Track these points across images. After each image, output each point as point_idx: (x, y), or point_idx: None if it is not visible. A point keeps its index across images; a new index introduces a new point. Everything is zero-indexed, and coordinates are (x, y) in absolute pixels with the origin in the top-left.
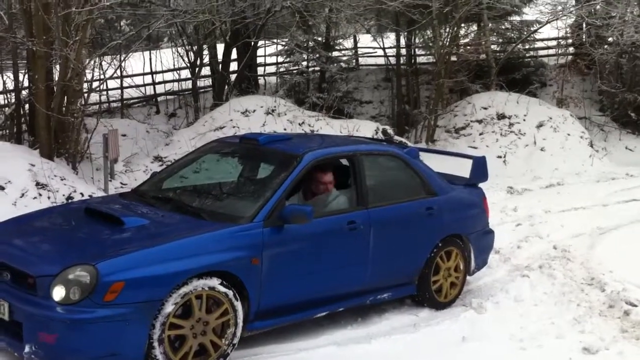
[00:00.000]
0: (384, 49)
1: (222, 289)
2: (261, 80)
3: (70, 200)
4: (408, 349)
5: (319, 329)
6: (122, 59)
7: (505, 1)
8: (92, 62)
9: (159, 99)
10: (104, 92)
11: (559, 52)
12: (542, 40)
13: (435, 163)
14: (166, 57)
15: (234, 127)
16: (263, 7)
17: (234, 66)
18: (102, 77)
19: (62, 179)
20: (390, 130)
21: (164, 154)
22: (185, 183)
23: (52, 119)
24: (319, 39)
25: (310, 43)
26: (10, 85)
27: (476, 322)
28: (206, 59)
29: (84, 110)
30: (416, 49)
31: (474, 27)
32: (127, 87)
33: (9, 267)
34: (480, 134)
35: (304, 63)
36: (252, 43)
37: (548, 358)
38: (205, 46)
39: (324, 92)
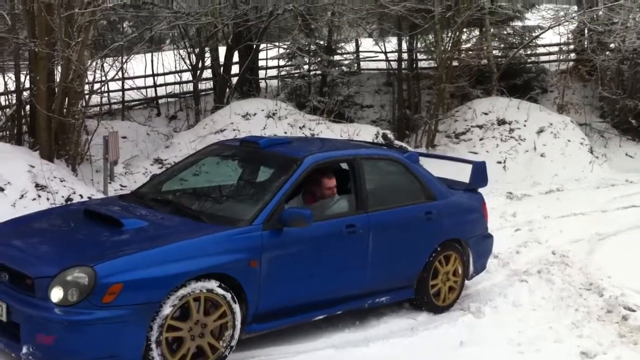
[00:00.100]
0: (385, 53)
1: (221, 291)
2: (262, 84)
3: (69, 202)
4: (406, 352)
5: (317, 332)
6: (124, 60)
7: (507, 6)
8: (94, 64)
9: (160, 101)
10: (105, 94)
11: (561, 58)
12: (544, 46)
13: (435, 168)
14: (168, 59)
15: (234, 130)
16: (265, 10)
17: (235, 69)
18: (103, 78)
19: (61, 181)
20: (390, 135)
21: (164, 157)
22: (185, 186)
23: (52, 121)
24: (321, 42)
25: (312, 46)
26: (11, 86)
27: (474, 326)
28: (208, 62)
29: (85, 112)
30: (418, 54)
31: (476, 32)
32: (128, 89)
33: (7, 268)
34: (481, 140)
35: (306, 67)
36: (254, 46)
37: None
38: (207, 49)
39: (325, 95)
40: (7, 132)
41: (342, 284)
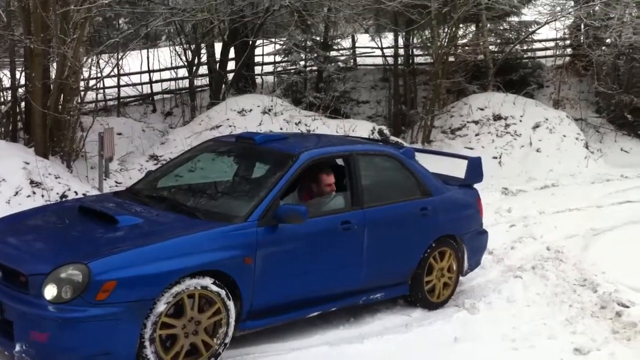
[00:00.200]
0: (382, 49)
1: (215, 288)
2: (258, 80)
3: (64, 199)
4: (400, 349)
5: (312, 329)
6: (120, 57)
7: (504, 2)
8: (90, 60)
9: (156, 97)
10: (101, 91)
11: (557, 53)
12: (540, 41)
13: (431, 163)
14: (164, 55)
15: (230, 126)
16: (262, 6)
17: (231, 65)
18: (99, 75)
19: (56, 177)
20: (386, 131)
21: (160, 153)
22: (180, 182)
23: (47, 117)
24: (317, 38)
25: (308, 42)
26: (6, 82)
27: (469, 322)
28: (204, 58)
29: (80, 108)
30: (414, 49)
31: (473, 28)
32: (124, 86)
33: (1, 265)
34: (476, 135)
35: (302, 62)
36: (250, 42)
37: (540, 358)
38: (203, 45)
39: (321, 91)
40: (2, 129)
41: (337, 280)
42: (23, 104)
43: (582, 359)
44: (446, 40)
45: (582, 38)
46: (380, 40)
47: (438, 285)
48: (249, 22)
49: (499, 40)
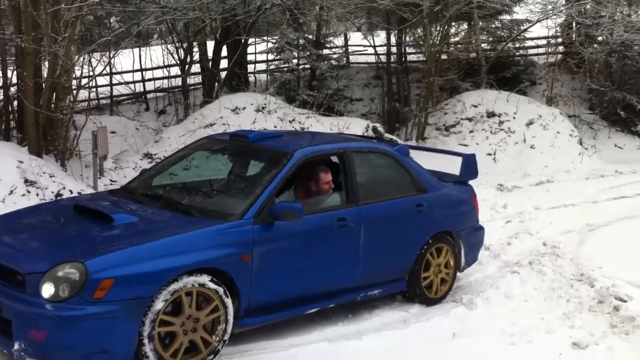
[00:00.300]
0: (374, 47)
1: (213, 285)
2: (251, 78)
3: (59, 198)
4: (398, 345)
5: (310, 325)
6: (112, 55)
7: (495, 0)
8: (81, 59)
9: (149, 96)
10: (93, 89)
11: (549, 50)
12: (532, 39)
13: (426, 160)
14: (156, 54)
15: (224, 124)
16: (253, 4)
17: (224, 63)
18: (91, 74)
19: (51, 176)
20: (380, 128)
21: (154, 151)
22: (175, 180)
23: (40, 116)
24: (310, 36)
25: (300, 41)
26: None
27: (466, 318)
28: (196, 56)
29: (73, 107)
30: (407, 47)
31: (465, 26)
32: (116, 84)
33: None
34: (471, 132)
35: (295, 61)
36: (243, 40)
37: (538, 353)
38: (195, 43)
39: (314, 89)
40: None
41: (334, 277)
42: (15, 102)
43: (580, 353)
44: (438, 38)
45: (573, 36)
46: (373, 38)
47: (435, 281)
48: (241, 21)
49: (491, 38)
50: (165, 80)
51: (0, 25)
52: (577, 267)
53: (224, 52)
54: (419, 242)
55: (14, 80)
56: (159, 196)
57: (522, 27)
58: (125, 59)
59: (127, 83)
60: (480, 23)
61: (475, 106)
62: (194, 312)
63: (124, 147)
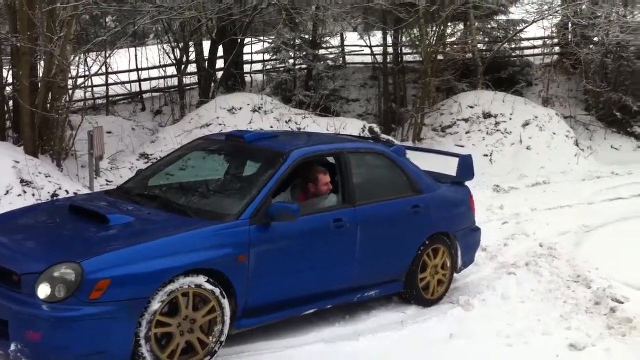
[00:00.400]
0: (371, 47)
1: (209, 286)
2: (248, 78)
3: (55, 198)
4: (395, 346)
5: (307, 327)
6: (108, 55)
7: (491, 1)
8: (77, 59)
9: (145, 96)
10: (89, 89)
11: (545, 51)
12: (528, 39)
13: (422, 161)
14: (152, 54)
15: (220, 124)
16: (250, 4)
17: (220, 64)
18: (87, 73)
19: (47, 176)
20: (377, 129)
21: (150, 152)
22: (171, 181)
23: (36, 116)
24: (306, 36)
25: (297, 41)
26: None
27: (463, 319)
28: (192, 56)
29: (69, 107)
30: (403, 48)
31: (461, 27)
32: (112, 84)
33: None
34: (467, 133)
35: (291, 61)
36: (239, 40)
37: (535, 355)
38: (191, 43)
39: (310, 90)
40: None
41: (331, 278)
42: (11, 102)
43: (577, 354)
44: (435, 39)
45: (570, 37)
46: (369, 38)
47: (432, 282)
48: (237, 21)
49: (487, 39)
50: (162, 81)
51: None
52: (573, 269)
53: (220, 52)
54: (416, 244)
55: (10, 80)
56: (155, 197)
57: (518, 28)
58: (121, 58)
59: (123, 83)
60: (477, 23)
61: (472, 107)
62: (190, 313)
63: (120, 148)
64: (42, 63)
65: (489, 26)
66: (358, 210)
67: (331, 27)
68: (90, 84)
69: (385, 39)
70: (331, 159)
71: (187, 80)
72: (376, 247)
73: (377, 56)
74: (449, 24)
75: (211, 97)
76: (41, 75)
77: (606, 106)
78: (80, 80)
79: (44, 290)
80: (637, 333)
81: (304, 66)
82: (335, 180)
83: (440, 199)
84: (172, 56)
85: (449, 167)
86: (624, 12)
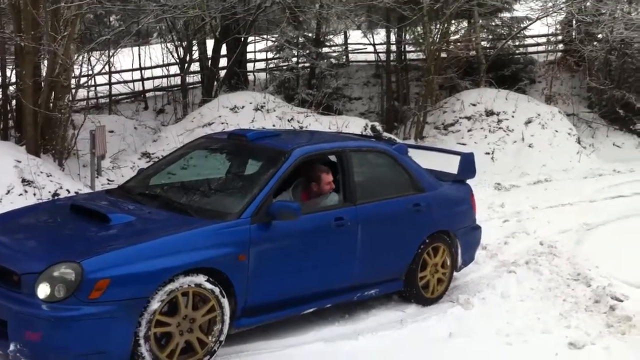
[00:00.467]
0: (374, 45)
1: (209, 285)
2: (250, 77)
3: (56, 197)
4: (395, 345)
5: (307, 326)
6: (111, 54)
7: None
8: (81, 58)
9: (148, 95)
10: (92, 88)
11: (549, 48)
12: (532, 37)
13: (424, 159)
14: (155, 52)
15: (222, 123)
16: (253, 2)
17: (223, 62)
18: (90, 72)
19: (48, 176)
20: (379, 127)
21: (152, 150)
22: (173, 179)
23: (39, 115)
24: (309, 35)
25: (300, 39)
26: None
27: (463, 318)
28: (195, 55)
29: (72, 106)
30: (406, 46)
31: (464, 24)
32: (115, 83)
33: None
34: (469, 131)
35: (294, 59)
36: (242, 39)
37: (534, 353)
38: (194, 42)
39: (313, 88)
40: None
41: (331, 277)
42: (14, 102)
43: (577, 353)
44: (438, 36)
45: (573, 34)
46: (373, 36)
47: (432, 280)
48: (241, 19)
49: (490, 36)
50: (165, 79)
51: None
52: (573, 267)
53: (224, 50)
54: (416, 242)
55: (13, 79)
56: (157, 196)
57: (522, 25)
58: (124, 57)
59: (126, 82)
60: (480, 21)
61: (474, 105)
62: (190, 312)
63: (122, 147)
64: (46, 62)
65: (493, 23)
66: (359, 209)
67: (334, 25)
68: (93, 83)
69: (388, 36)
70: (333, 158)
71: (190, 78)
72: (377, 246)
73: (380, 54)
74: (453, 22)
75: (214, 96)
76: (44, 74)
77: (609, 103)
78: (83, 79)
79: (43, 290)
80: (636, 331)
81: (306, 64)
82: (336, 178)
83: (442, 197)
84: (175, 55)
85: (451, 165)
86: (629, 9)
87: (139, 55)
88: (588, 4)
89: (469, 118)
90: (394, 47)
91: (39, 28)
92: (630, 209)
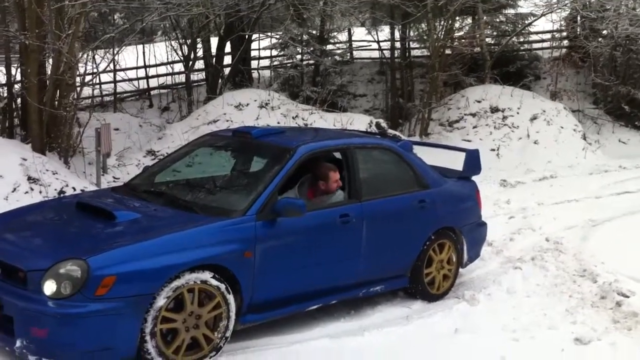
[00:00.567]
0: (378, 42)
1: (215, 282)
2: (255, 74)
3: (62, 195)
4: (401, 341)
5: (312, 322)
6: (116, 52)
7: None
8: (85, 56)
9: (152, 92)
10: (97, 86)
11: (554, 45)
12: (537, 33)
13: (429, 156)
14: (160, 50)
15: (227, 120)
16: (257, 0)
17: (227, 60)
18: (95, 70)
19: (54, 173)
20: (384, 124)
21: (157, 148)
22: (178, 177)
23: (44, 113)
24: (314, 32)
25: (304, 36)
26: (2, 79)
27: (469, 314)
28: (200, 53)
29: (77, 104)
30: (410, 42)
31: (469, 20)
32: (120, 81)
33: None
34: (474, 127)
35: (298, 56)
36: (246, 36)
37: (540, 349)
38: (199, 40)
39: (317, 85)
40: None
41: (337, 273)
42: (19, 100)
43: (583, 348)
44: (442, 33)
45: (578, 30)
46: (377, 33)
47: (438, 277)
48: (245, 17)
49: (495, 33)
50: (169, 77)
51: (4, 23)
52: (579, 263)
53: (228, 48)
54: (422, 238)
55: (18, 78)
56: (162, 193)
57: (526, 21)
58: (128, 55)
59: (130, 80)
60: (485, 17)
61: (479, 101)
62: (196, 308)
63: (127, 144)
64: (50, 60)
65: (497, 20)
66: (364, 206)
67: (339, 22)
68: (98, 81)
69: (392, 33)
70: (338, 155)
71: (194, 76)
72: (382, 242)
73: (384, 51)
74: (457, 18)
75: (218, 94)
76: (49, 72)
77: (614, 99)
78: (88, 78)
79: (49, 287)
80: None
81: (311, 62)
82: (342, 175)
83: (447, 194)
84: (179, 53)
85: (456, 161)
86: (633, 5)
87: (144, 53)
88: (592, 0)
89: (474, 115)
90: (398, 44)
91: (43, 26)
92: (635, 205)
